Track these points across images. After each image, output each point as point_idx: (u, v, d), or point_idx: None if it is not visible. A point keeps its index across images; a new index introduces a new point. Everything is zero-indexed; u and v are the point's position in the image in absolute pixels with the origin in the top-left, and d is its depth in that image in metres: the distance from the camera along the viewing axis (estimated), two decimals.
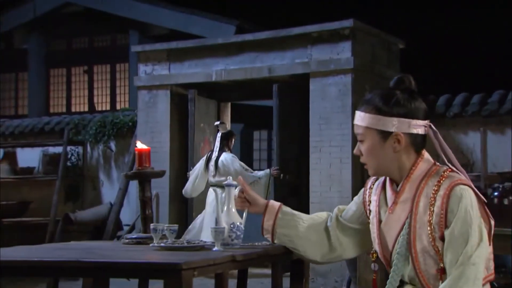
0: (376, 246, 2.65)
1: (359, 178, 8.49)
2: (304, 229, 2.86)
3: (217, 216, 3.24)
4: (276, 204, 2.95)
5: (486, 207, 2.53)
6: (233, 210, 3.30)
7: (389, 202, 2.59)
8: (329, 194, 8.73)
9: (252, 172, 8.58)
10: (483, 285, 2.48)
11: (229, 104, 10.64)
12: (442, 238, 2.45)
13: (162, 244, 3.11)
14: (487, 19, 13.18)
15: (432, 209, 2.46)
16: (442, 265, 2.46)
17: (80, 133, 11.11)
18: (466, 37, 13.34)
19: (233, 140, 8.72)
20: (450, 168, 2.54)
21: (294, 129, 10.01)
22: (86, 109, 13.93)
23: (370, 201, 2.70)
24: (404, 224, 2.53)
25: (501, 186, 6.40)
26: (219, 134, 8.43)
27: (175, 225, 3.30)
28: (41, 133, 11.60)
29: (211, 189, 8.26)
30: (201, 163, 8.48)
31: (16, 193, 11.15)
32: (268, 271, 3.53)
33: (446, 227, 2.44)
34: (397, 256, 2.55)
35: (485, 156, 8.68)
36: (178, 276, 2.49)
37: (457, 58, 13.24)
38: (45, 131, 11.56)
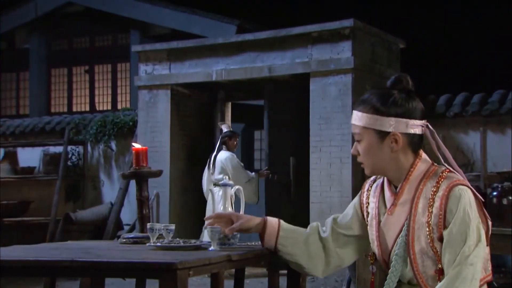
0: (375, 248, 2.64)
1: (359, 178, 8.49)
2: (305, 246, 2.80)
3: None
4: (275, 222, 2.85)
5: (484, 208, 2.53)
6: (230, 209, 3.30)
7: (388, 204, 2.59)
8: (329, 194, 8.73)
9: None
10: (481, 286, 2.48)
11: (230, 104, 10.65)
12: (441, 239, 2.45)
13: (158, 244, 3.11)
14: (487, 19, 13.18)
15: (430, 210, 2.46)
16: (440, 266, 2.45)
17: (81, 133, 11.11)
18: (467, 37, 13.34)
19: (234, 140, 8.79)
20: (448, 168, 2.54)
21: (286, 129, 10.04)
22: (87, 108, 13.93)
23: (368, 203, 2.69)
24: (403, 225, 2.53)
25: (500, 186, 6.39)
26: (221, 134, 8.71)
27: (172, 224, 3.30)
28: (42, 132, 11.61)
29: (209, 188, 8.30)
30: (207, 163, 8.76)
31: (17, 193, 11.16)
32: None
33: (445, 227, 2.44)
34: (395, 257, 2.55)
35: (485, 156, 8.67)
36: (173, 276, 2.48)
37: (457, 58, 13.23)
38: (46, 131, 11.56)
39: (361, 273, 7.48)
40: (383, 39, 9.49)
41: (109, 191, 10.93)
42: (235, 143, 8.86)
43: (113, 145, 11.02)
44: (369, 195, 2.70)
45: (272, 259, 3.15)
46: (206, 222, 2.93)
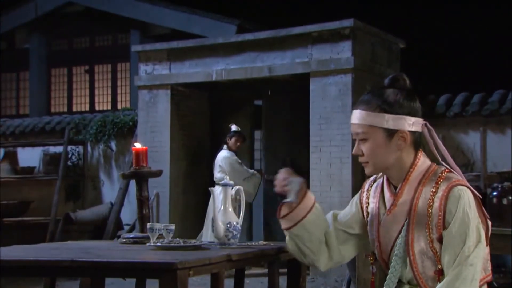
0: (375, 248, 2.64)
1: (359, 177, 8.48)
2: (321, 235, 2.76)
3: (213, 215, 3.24)
4: (312, 196, 2.77)
5: (483, 208, 2.53)
6: (230, 209, 3.30)
7: (388, 204, 2.58)
8: (329, 194, 8.73)
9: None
10: (481, 286, 2.48)
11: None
12: (440, 240, 2.45)
13: (158, 244, 3.11)
14: (487, 18, 13.17)
15: (430, 210, 2.46)
16: (440, 267, 2.46)
17: (81, 133, 11.11)
18: (467, 37, 13.33)
19: (235, 140, 8.89)
20: (447, 168, 2.54)
21: (285, 129, 10.06)
22: (87, 108, 13.93)
23: (368, 203, 2.68)
24: (402, 226, 2.52)
25: (500, 186, 6.38)
26: None
27: (172, 224, 3.30)
28: (42, 132, 11.60)
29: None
30: None
31: (17, 193, 11.16)
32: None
33: (444, 228, 2.44)
34: (395, 258, 2.54)
35: (485, 156, 8.67)
36: (173, 276, 2.49)
37: (457, 58, 13.23)
38: (46, 131, 11.56)
39: (361, 273, 7.48)
40: (383, 39, 9.49)
41: (109, 191, 10.93)
42: (238, 143, 8.93)
43: (113, 145, 11.01)
44: (369, 195, 2.69)
45: (272, 259, 3.15)
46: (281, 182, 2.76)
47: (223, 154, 8.85)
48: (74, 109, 14.03)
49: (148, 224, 3.29)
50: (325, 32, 8.94)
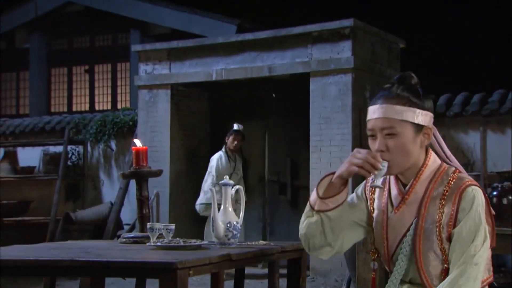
0: (380, 246, 2.63)
1: (359, 177, 8.45)
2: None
3: (213, 215, 3.24)
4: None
5: (491, 209, 2.53)
6: (230, 209, 3.30)
7: (395, 202, 2.57)
8: None
9: (213, 183, 8.50)
10: (483, 287, 2.49)
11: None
12: (450, 239, 2.45)
13: (158, 243, 3.11)
14: (487, 18, 13.17)
15: (442, 210, 2.46)
16: (446, 266, 2.46)
17: (81, 133, 11.11)
18: (467, 37, 13.32)
19: (232, 138, 8.85)
20: (458, 169, 2.55)
21: (285, 129, 10.09)
22: (87, 108, 13.93)
23: (373, 199, 2.65)
24: (410, 224, 2.51)
25: (500, 185, 6.38)
26: None
27: (172, 224, 3.30)
28: (42, 132, 11.60)
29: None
30: None
31: (17, 193, 11.16)
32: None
33: (455, 226, 2.44)
34: (400, 256, 2.54)
35: (485, 156, 8.67)
36: (173, 276, 2.49)
37: (457, 58, 13.23)
38: (46, 131, 11.56)
39: (361, 273, 7.48)
40: (383, 39, 9.49)
41: (109, 191, 10.93)
42: (235, 142, 8.88)
43: (113, 144, 11.01)
44: (374, 191, 2.66)
45: (272, 259, 3.15)
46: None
47: (214, 155, 8.96)
48: (74, 109, 14.03)
49: (148, 223, 3.29)
50: (325, 32, 8.94)
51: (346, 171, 2.52)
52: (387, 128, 2.46)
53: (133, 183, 9.61)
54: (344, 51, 8.81)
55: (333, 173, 2.59)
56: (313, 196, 2.63)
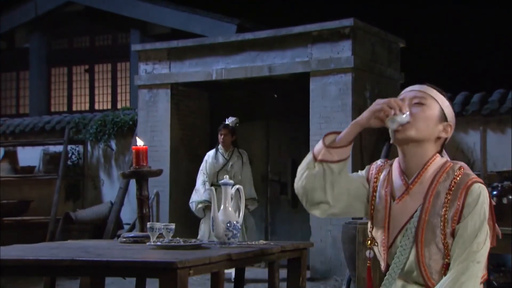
0: (379, 234, 2.63)
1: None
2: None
3: (213, 215, 3.24)
4: None
5: (493, 209, 2.55)
6: (230, 209, 3.30)
7: (398, 192, 2.58)
8: None
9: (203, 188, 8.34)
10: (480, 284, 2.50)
11: None
12: (453, 235, 2.47)
13: (158, 243, 3.11)
14: (487, 18, 13.17)
15: (448, 204, 2.48)
16: (447, 261, 2.47)
17: (81, 132, 11.11)
18: (467, 36, 13.33)
19: (220, 134, 8.43)
20: (463, 166, 2.57)
21: (285, 128, 10.09)
22: (87, 108, 13.93)
23: (376, 188, 2.66)
24: (411, 216, 2.53)
25: (500, 185, 6.38)
26: None
27: (172, 223, 3.30)
28: (42, 132, 11.60)
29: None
30: None
31: (17, 192, 11.16)
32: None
33: (459, 221, 2.46)
34: (399, 249, 2.55)
35: (485, 155, 8.67)
36: (173, 275, 2.49)
37: (457, 57, 13.23)
38: (46, 130, 11.56)
39: (361, 273, 7.48)
40: (383, 38, 9.49)
41: (109, 191, 10.93)
42: (221, 137, 8.42)
43: (113, 144, 11.01)
44: (377, 180, 2.67)
45: (272, 259, 3.15)
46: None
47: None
48: (74, 109, 14.03)
49: (148, 223, 3.29)
50: (325, 31, 8.94)
51: (365, 117, 2.54)
52: (418, 97, 2.56)
53: (133, 183, 9.61)
54: (344, 51, 8.81)
55: (338, 132, 2.63)
56: (317, 146, 2.65)
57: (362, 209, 2.68)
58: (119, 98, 13.85)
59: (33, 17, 13.76)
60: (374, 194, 2.66)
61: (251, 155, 10.23)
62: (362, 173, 2.74)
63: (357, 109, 8.71)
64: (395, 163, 2.65)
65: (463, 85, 9.83)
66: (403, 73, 9.96)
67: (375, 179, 2.68)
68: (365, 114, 2.55)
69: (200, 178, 8.49)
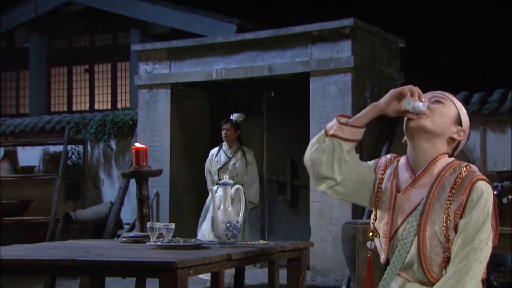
0: (381, 225, 2.64)
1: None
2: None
3: (213, 215, 3.24)
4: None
5: (496, 210, 2.55)
6: (230, 208, 3.30)
7: (403, 185, 2.61)
8: None
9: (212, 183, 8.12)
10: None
11: None
12: (455, 229, 2.49)
13: (158, 243, 3.11)
14: (487, 18, 13.17)
15: (452, 198, 2.50)
16: (448, 254, 2.48)
17: (81, 132, 11.11)
18: (467, 36, 13.33)
19: (222, 130, 8.19)
20: (469, 164, 2.59)
21: (285, 128, 10.09)
22: (87, 108, 13.93)
23: (382, 180, 2.68)
24: (415, 208, 2.55)
25: (500, 185, 6.38)
26: None
27: (172, 223, 3.30)
28: (42, 132, 11.60)
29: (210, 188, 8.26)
30: None
31: (17, 192, 11.16)
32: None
33: (462, 217, 2.48)
34: (400, 242, 2.55)
35: (485, 155, 8.67)
36: (173, 275, 2.49)
37: (457, 57, 13.23)
38: (46, 130, 11.56)
39: (361, 272, 7.48)
40: (383, 38, 9.49)
41: (109, 190, 10.93)
42: (223, 132, 8.15)
43: (113, 144, 11.02)
44: (384, 172, 2.69)
45: (272, 259, 3.14)
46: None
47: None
48: (74, 108, 14.03)
49: (148, 223, 3.30)
50: (325, 31, 8.94)
51: (385, 100, 2.57)
52: (438, 96, 2.62)
53: (133, 183, 9.61)
54: (344, 51, 8.81)
55: (350, 116, 2.63)
56: (331, 123, 2.64)
57: (367, 197, 2.70)
58: (119, 98, 13.85)
59: (33, 16, 13.76)
60: (380, 185, 2.68)
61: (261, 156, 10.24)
62: (370, 163, 2.77)
63: (357, 109, 8.68)
64: (403, 159, 2.68)
65: (463, 85, 9.84)
66: (403, 73, 9.96)
67: (383, 171, 2.70)
68: (385, 97, 2.59)
69: (209, 178, 8.29)
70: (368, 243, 2.68)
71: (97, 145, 11.11)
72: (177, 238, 3.29)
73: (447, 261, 2.49)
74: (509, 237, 5.96)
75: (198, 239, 3.29)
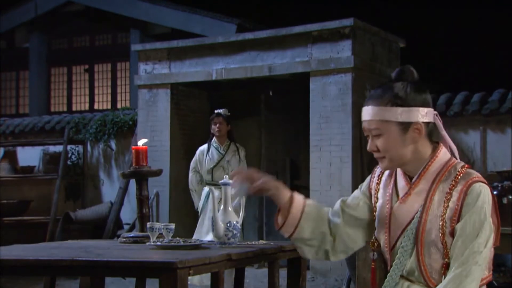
0: (381, 235, 2.63)
1: (359, 177, 8.48)
2: (327, 224, 2.76)
3: (213, 215, 3.23)
4: (301, 196, 2.80)
5: (497, 209, 2.53)
6: (230, 209, 3.29)
7: (401, 193, 2.57)
8: (329, 193, 8.72)
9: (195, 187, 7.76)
10: (482, 285, 2.50)
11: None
12: (452, 234, 2.45)
13: (158, 243, 3.11)
14: (487, 18, 13.17)
15: (447, 204, 2.45)
16: (447, 260, 2.46)
17: (81, 132, 11.11)
18: (466, 36, 13.33)
19: (212, 124, 7.84)
20: (467, 164, 2.55)
21: (285, 128, 10.09)
22: (87, 108, 13.93)
23: (378, 189, 2.66)
24: (414, 215, 2.52)
25: (500, 185, 6.38)
26: None
27: (172, 223, 3.30)
28: (42, 132, 11.60)
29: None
30: None
31: (17, 192, 11.16)
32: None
33: (458, 221, 2.43)
34: (400, 250, 2.54)
35: (485, 155, 8.67)
36: (173, 275, 2.48)
37: (457, 57, 13.23)
38: (46, 130, 11.56)
39: (361, 273, 7.47)
40: (383, 38, 9.49)
41: (109, 190, 10.93)
42: (216, 126, 7.77)
43: (112, 144, 11.01)
44: (380, 181, 2.67)
45: (272, 259, 3.14)
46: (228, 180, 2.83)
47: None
48: (74, 108, 14.03)
49: (148, 223, 3.29)
50: (325, 31, 8.94)
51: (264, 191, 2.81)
52: (373, 129, 2.53)
53: (133, 183, 9.59)
54: (344, 51, 8.81)
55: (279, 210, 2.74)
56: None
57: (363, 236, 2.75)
58: (119, 98, 13.85)
59: (33, 16, 13.76)
60: (377, 196, 2.66)
61: (250, 155, 10.23)
62: (363, 188, 2.75)
63: (357, 109, 8.71)
64: None
65: (463, 85, 9.84)
66: (410, 65, 9.93)
67: (378, 180, 2.68)
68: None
69: (194, 178, 7.77)
70: (371, 254, 2.67)
71: (97, 145, 11.11)
72: (177, 238, 3.28)
73: (445, 267, 2.46)
74: (509, 237, 5.96)
75: (198, 239, 3.28)
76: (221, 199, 3.29)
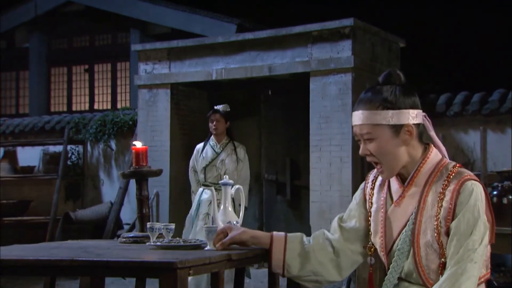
0: (377, 240, 2.63)
1: (359, 177, 8.48)
2: (315, 254, 2.80)
3: (213, 215, 3.23)
4: (281, 235, 2.87)
5: (491, 206, 2.54)
6: (230, 208, 3.29)
7: (395, 196, 2.59)
8: (329, 193, 8.72)
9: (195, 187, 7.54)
10: (480, 283, 2.51)
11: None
12: (447, 233, 2.46)
13: (158, 243, 3.10)
14: (487, 18, 13.17)
15: (440, 204, 2.47)
16: (443, 260, 2.47)
17: (81, 132, 11.11)
18: (467, 36, 13.33)
19: (209, 121, 7.63)
20: (458, 163, 2.57)
21: (285, 128, 10.08)
22: (87, 108, 13.93)
23: (372, 194, 2.69)
24: (409, 217, 2.54)
25: (500, 185, 6.39)
26: None
27: (172, 223, 3.30)
28: (42, 132, 11.60)
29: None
30: None
31: (17, 192, 11.16)
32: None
33: (453, 220, 2.45)
34: (397, 253, 2.55)
35: (485, 155, 8.67)
36: (173, 275, 2.48)
37: (457, 57, 13.23)
38: (46, 130, 11.56)
39: (361, 273, 7.48)
40: (383, 38, 9.48)
41: (109, 190, 10.93)
42: (213, 125, 7.54)
43: (112, 144, 11.02)
44: (374, 186, 2.69)
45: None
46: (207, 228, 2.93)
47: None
48: (73, 108, 14.04)
49: (148, 223, 3.29)
50: (325, 31, 8.93)
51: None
52: (365, 133, 2.55)
53: (133, 183, 9.59)
54: (344, 51, 8.81)
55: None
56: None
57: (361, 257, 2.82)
58: (119, 98, 13.85)
59: (33, 16, 13.76)
60: (371, 201, 2.67)
61: (250, 155, 10.23)
62: (358, 192, 2.79)
63: None
64: None
65: (463, 85, 9.83)
66: (396, 68, 9.93)
67: (372, 185, 2.70)
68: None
69: (193, 179, 7.58)
70: (368, 259, 2.69)
71: (97, 145, 11.11)
72: (177, 238, 3.28)
73: (443, 266, 2.47)
74: (509, 237, 5.97)
75: (198, 239, 3.28)
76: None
